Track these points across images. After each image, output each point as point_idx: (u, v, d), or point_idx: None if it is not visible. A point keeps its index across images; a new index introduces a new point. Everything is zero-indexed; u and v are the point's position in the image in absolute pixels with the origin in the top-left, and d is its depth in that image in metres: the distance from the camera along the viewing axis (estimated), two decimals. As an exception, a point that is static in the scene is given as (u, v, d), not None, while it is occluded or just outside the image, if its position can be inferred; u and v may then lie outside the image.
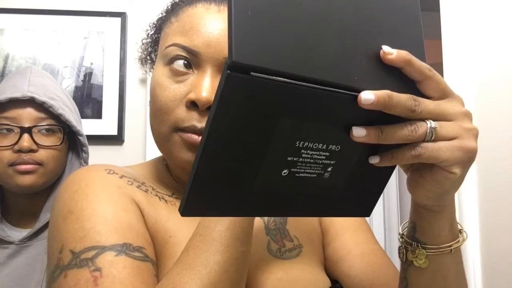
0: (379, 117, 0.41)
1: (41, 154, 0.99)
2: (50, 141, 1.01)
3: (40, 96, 0.98)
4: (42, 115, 1.00)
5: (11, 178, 0.98)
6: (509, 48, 1.25)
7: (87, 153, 1.07)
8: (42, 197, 1.04)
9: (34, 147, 0.98)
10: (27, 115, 0.99)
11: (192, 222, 0.58)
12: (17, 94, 0.98)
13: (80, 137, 1.05)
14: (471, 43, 1.35)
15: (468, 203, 1.31)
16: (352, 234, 0.69)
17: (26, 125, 0.98)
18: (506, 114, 1.24)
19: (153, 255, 0.55)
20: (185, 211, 0.38)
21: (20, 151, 0.97)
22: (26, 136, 0.97)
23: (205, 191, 0.38)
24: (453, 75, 1.36)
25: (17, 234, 1.02)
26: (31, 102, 0.99)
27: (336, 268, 0.68)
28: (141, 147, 1.68)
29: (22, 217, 1.05)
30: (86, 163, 1.07)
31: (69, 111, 1.05)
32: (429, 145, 0.42)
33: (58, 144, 1.02)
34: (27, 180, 0.98)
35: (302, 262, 0.64)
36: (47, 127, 1.00)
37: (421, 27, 0.46)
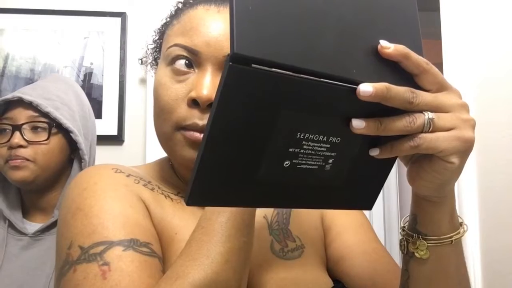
0: (378, 110, 0.42)
1: (30, 150, 1.06)
2: (40, 138, 1.07)
3: (31, 96, 1.05)
4: (35, 113, 1.07)
5: (6, 173, 1.07)
6: (509, 48, 1.26)
7: (81, 149, 1.10)
8: (54, 193, 1.11)
9: (23, 143, 1.05)
10: (20, 114, 1.06)
11: (197, 220, 0.59)
12: (8, 96, 1.07)
13: (71, 134, 1.09)
14: (471, 43, 1.35)
15: (468, 202, 1.31)
16: (354, 233, 0.70)
17: (18, 123, 1.06)
18: (506, 114, 1.24)
19: (159, 251, 0.56)
20: (190, 200, 0.39)
21: (11, 147, 1.05)
22: (16, 133, 1.05)
23: (209, 180, 0.39)
24: (453, 75, 1.37)
25: (31, 227, 1.08)
26: (21, 102, 1.06)
27: (338, 268, 0.68)
28: (141, 147, 1.68)
29: (36, 212, 1.12)
30: (84, 159, 1.10)
31: (67, 109, 1.10)
32: (427, 135, 0.43)
33: (44, 139, 1.07)
34: (18, 174, 1.05)
35: (305, 263, 0.65)
36: (33, 123, 1.06)
37: (418, 24, 0.47)
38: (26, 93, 1.06)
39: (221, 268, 0.49)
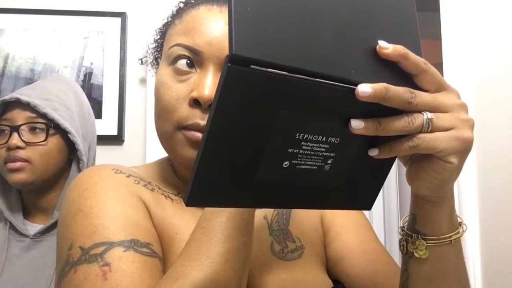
0: (377, 110, 0.42)
1: (28, 151, 1.05)
2: (38, 139, 1.06)
3: (29, 97, 1.05)
4: (32, 114, 1.06)
5: (6, 175, 1.06)
6: (509, 48, 1.26)
7: (79, 150, 1.09)
8: (54, 194, 1.11)
9: (21, 144, 1.04)
10: (18, 115, 1.06)
11: (197, 220, 0.59)
12: (6, 97, 1.06)
13: (68, 135, 1.08)
14: (471, 43, 1.35)
15: (468, 202, 1.31)
16: (353, 233, 0.70)
17: (16, 124, 1.06)
18: (506, 114, 1.24)
19: (160, 252, 0.56)
20: (189, 201, 0.39)
21: (9, 148, 1.04)
22: (14, 134, 1.05)
23: (209, 181, 0.39)
24: (453, 75, 1.37)
25: (32, 229, 1.08)
26: (19, 103, 1.05)
27: (337, 268, 0.68)
28: (141, 147, 1.68)
29: (36, 213, 1.12)
30: (82, 160, 1.10)
31: (66, 110, 1.09)
32: (426, 135, 0.43)
33: (42, 140, 1.06)
34: (17, 177, 1.04)
35: (304, 264, 0.65)
36: (31, 124, 1.06)
37: (416, 24, 0.47)
38: (25, 93, 1.06)
39: (221, 268, 0.49)
